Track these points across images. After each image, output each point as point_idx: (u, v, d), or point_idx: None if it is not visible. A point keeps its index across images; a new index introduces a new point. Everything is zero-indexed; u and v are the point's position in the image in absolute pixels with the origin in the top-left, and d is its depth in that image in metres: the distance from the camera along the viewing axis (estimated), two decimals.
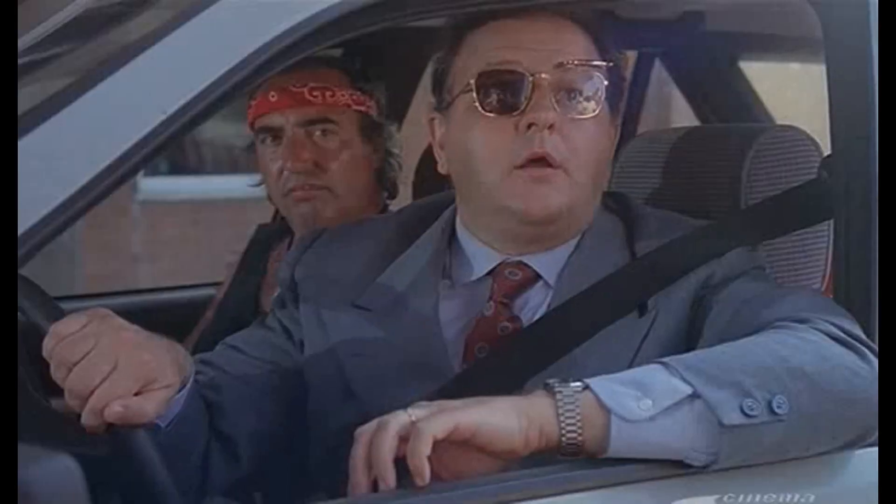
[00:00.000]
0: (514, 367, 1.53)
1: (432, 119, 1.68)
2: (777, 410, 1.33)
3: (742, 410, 1.33)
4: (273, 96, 2.19)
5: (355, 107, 2.23)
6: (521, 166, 1.56)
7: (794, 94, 5.18)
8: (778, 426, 1.34)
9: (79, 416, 1.37)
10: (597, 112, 1.59)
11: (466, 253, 1.66)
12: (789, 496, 1.41)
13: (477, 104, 1.58)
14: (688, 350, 1.49)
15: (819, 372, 1.37)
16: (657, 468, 1.37)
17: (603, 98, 1.60)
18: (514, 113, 1.56)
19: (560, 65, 1.57)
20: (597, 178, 1.62)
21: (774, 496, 1.40)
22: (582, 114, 1.58)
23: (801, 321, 1.43)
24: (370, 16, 1.40)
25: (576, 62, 1.58)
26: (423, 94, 2.74)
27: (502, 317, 1.61)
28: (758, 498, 1.40)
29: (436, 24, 2.23)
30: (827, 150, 1.64)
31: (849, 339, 1.42)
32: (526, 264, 1.63)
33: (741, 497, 1.39)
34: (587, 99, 1.58)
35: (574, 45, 1.60)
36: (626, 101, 2.66)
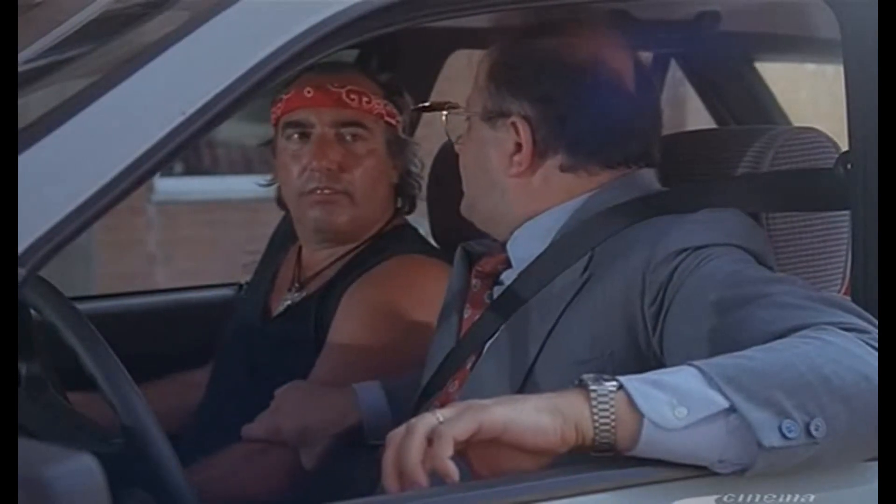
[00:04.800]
0: (491, 326, 1.69)
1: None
2: (814, 433, 1.32)
3: (781, 432, 1.31)
4: (309, 93, 2.19)
5: (387, 118, 2.23)
6: None
7: (809, 94, 5.17)
8: (812, 447, 1.33)
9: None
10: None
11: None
12: (789, 496, 1.40)
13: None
14: (623, 325, 1.53)
15: (858, 394, 1.35)
16: (660, 471, 1.37)
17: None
18: None
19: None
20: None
21: (774, 496, 1.40)
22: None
23: (844, 328, 1.39)
24: (389, 16, 1.41)
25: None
26: (436, 97, 2.75)
27: (486, 288, 1.76)
28: (758, 498, 1.39)
29: (452, 25, 2.24)
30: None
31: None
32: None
33: (741, 497, 1.39)
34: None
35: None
36: None
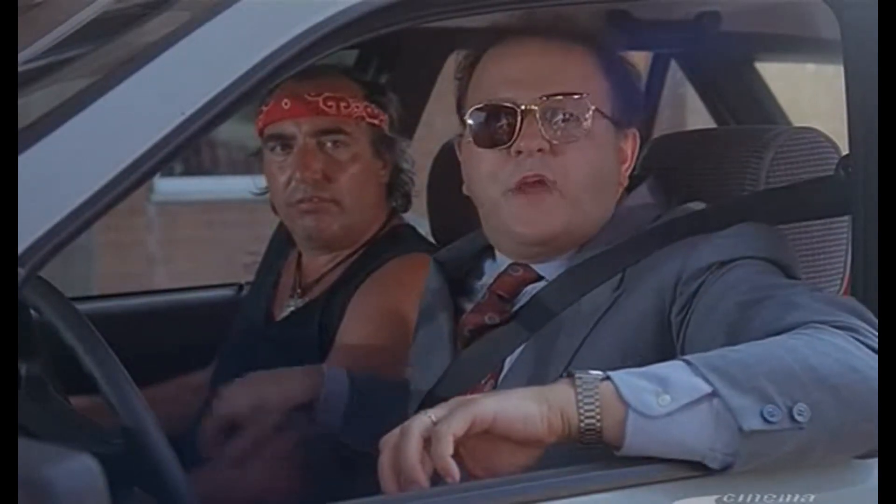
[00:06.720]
0: (492, 346, 1.67)
1: (459, 141, 1.75)
2: (798, 418, 1.33)
3: (762, 416, 1.33)
4: (286, 104, 2.18)
5: (369, 120, 2.22)
6: (516, 188, 1.64)
7: (809, 94, 5.18)
8: (798, 434, 1.34)
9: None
10: (587, 133, 1.65)
11: (497, 259, 1.78)
12: (789, 496, 1.41)
13: (471, 140, 1.68)
14: (655, 337, 1.55)
15: (846, 384, 1.36)
16: (660, 471, 1.37)
17: (592, 118, 1.65)
18: (504, 146, 1.65)
19: (547, 96, 1.64)
20: (598, 192, 1.68)
21: (774, 496, 1.40)
22: (571, 138, 1.65)
23: (837, 326, 1.41)
24: (390, 16, 1.41)
25: (560, 94, 1.65)
26: (436, 98, 2.76)
27: (492, 307, 1.71)
28: (758, 498, 1.40)
29: (452, 25, 2.25)
30: (845, 151, 1.64)
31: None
32: (530, 266, 1.72)
33: (741, 497, 1.39)
34: (576, 123, 1.65)
35: (563, 71, 1.67)
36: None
